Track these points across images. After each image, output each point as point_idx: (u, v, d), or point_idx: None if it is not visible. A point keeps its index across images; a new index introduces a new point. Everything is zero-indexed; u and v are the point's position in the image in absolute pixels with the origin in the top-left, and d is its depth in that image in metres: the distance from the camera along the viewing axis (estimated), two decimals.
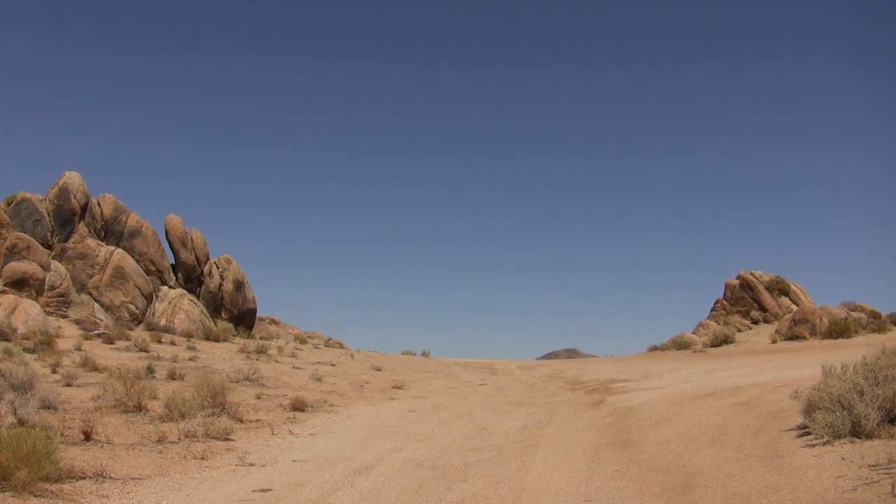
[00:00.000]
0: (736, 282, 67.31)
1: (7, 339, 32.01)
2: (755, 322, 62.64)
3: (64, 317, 42.67)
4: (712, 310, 68.25)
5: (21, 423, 13.85)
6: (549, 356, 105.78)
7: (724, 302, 67.38)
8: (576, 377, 36.15)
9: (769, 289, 65.34)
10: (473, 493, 11.34)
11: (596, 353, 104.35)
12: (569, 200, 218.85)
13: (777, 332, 53.77)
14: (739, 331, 58.81)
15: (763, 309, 63.93)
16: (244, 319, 55.59)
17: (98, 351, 31.59)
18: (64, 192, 48.98)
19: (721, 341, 53.86)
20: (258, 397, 23.06)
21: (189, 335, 44.03)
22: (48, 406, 17.04)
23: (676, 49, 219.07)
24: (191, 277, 53.84)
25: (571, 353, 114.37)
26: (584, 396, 26.16)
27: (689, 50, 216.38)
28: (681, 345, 55.27)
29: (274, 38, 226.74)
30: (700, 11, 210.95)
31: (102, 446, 14.13)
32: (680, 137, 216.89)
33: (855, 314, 53.50)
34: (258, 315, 59.79)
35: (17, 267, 43.43)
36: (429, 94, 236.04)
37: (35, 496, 10.36)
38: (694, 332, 61.40)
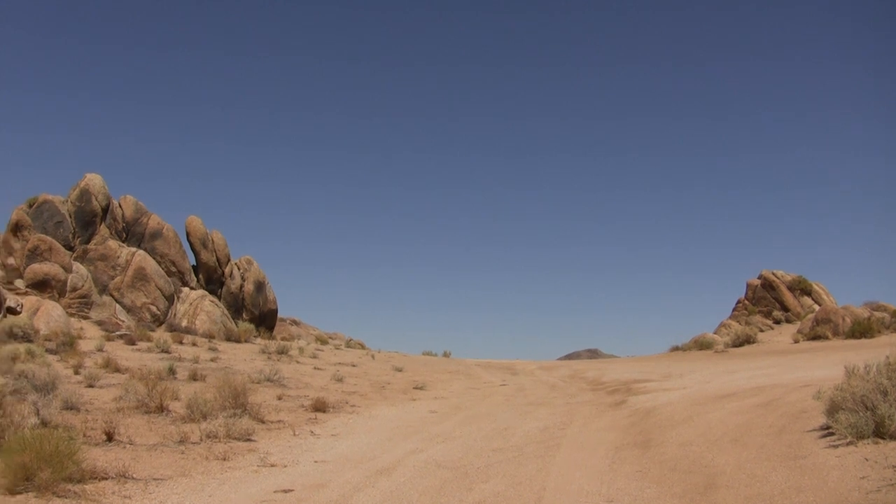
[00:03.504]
0: (758, 281, 66.95)
1: (29, 341, 32.13)
2: (777, 322, 62.29)
3: (86, 318, 42.84)
4: (734, 310, 67.89)
5: (44, 423, 13.91)
6: (570, 357, 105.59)
7: (746, 302, 67.02)
8: (597, 377, 36.04)
9: (791, 288, 64.97)
10: (495, 493, 11.31)
11: (617, 353, 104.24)
12: (590, 201, 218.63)
13: (799, 331, 53.43)
14: (761, 331, 58.45)
15: (785, 309, 63.58)
16: (265, 320, 55.69)
17: (120, 352, 31.71)
18: (85, 194, 49.21)
19: (743, 341, 53.51)
20: (279, 398, 23.08)
21: (210, 336, 44.14)
22: (71, 407, 17.10)
23: (701, 48, 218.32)
24: (212, 279, 54.00)
25: (592, 354, 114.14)
26: (606, 397, 26.08)
27: (713, 49, 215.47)
28: (702, 345, 54.96)
29: (296, 37, 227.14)
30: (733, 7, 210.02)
31: (125, 447, 14.17)
32: (702, 137, 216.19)
33: (878, 314, 53.06)
34: (279, 316, 59.90)
35: (39, 268, 43.65)
36: (450, 93, 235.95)
37: (58, 496, 10.40)
38: (715, 333, 61.02)
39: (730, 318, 66.40)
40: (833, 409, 12.28)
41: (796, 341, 50.76)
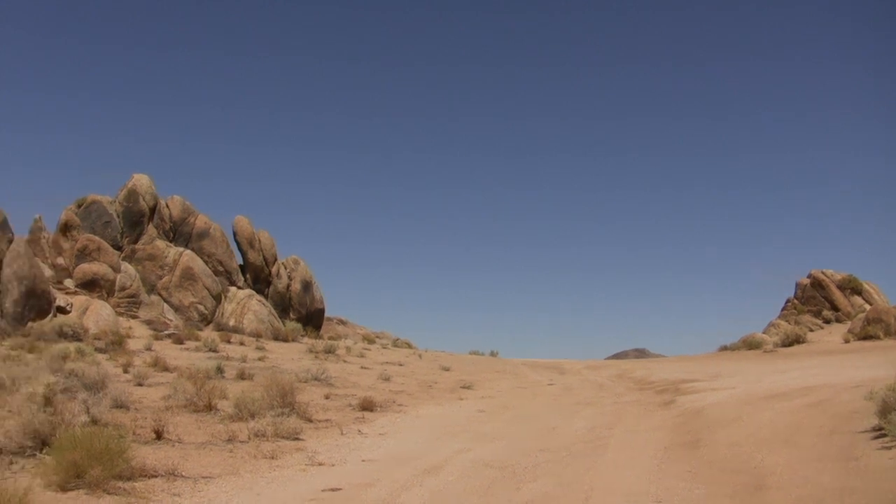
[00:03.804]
0: (807, 281, 66.27)
1: (79, 340, 32.49)
2: (827, 321, 61.60)
3: (134, 317, 43.25)
4: (783, 309, 67.25)
5: (94, 422, 13.99)
6: (617, 356, 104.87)
7: (796, 301, 66.36)
8: (645, 377, 35.78)
9: (841, 288, 64.23)
10: (543, 493, 11.22)
11: (665, 352, 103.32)
12: (639, 199, 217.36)
13: (850, 331, 52.73)
14: (811, 330, 57.84)
15: (835, 308, 62.86)
16: (312, 319, 55.87)
17: (168, 351, 31.94)
18: (133, 194, 49.68)
19: (792, 341, 52.91)
20: (327, 397, 23.10)
21: (258, 335, 44.36)
22: (120, 405, 17.20)
23: (754, 45, 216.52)
24: (259, 278, 54.27)
25: (640, 353, 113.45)
26: (654, 396, 25.87)
27: (767, 47, 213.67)
28: (751, 344, 54.40)
29: (336, 40, 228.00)
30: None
31: (173, 445, 14.23)
32: (751, 135, 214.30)
33: None
34: (326, 315, 60.04)
35: (88, 268, 44.12)
36: (486, 92, 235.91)
37: (108, 493, 10.45)
38: (764, 332, 60.39)
39: (779, 317, 65.77)
40: (885, 410, 12.09)
41: (846, 341, 50.10)
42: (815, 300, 64.43)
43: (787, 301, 67.62)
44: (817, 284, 64.93)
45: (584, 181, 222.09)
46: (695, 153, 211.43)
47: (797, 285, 67.46)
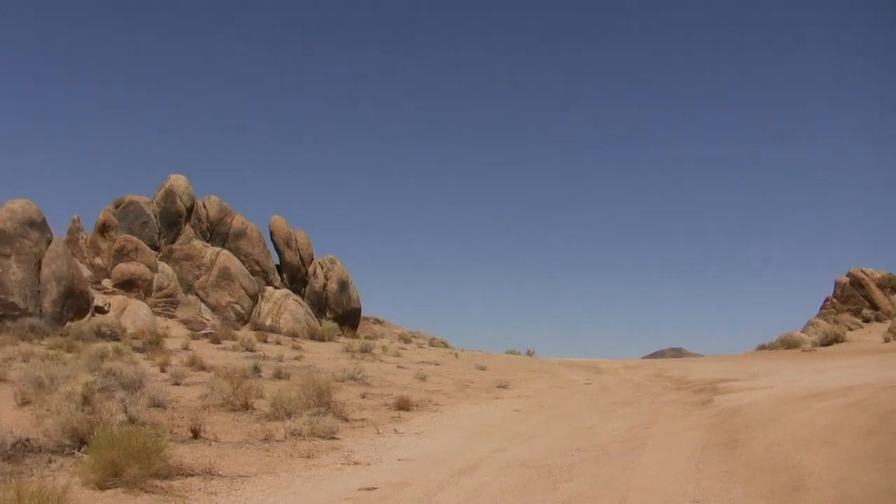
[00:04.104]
0: (846, 280, 65.68)
1: (117, 339, 32.72)
2: (866, 320, 61.00)
3: (171, 317, 43.52)
4: (822, 308, 66.70)
5: (131, 420, 14.05)
6: (654, 355, 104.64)
7: (834, 300, 65.81)
8: (682, 376, 35.56)
9: (881, 286, 63.61)
10: (579, 493, 11.14)
11: (702, 352, 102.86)
12: (675, 197, 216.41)
13: (890, 330, 52.14)
14: (850, 329, 57.25)
15: (875, 307, 62.26)
16: (348, 319, 56.00)
17: (205, 350, 32.08)
18: (170, 195, 50.01)
19: (831, 340, 52.39)
20: (363, 396, 23.11)
21: (294, 335, 44.48)
22: (157, 404, 17.27)
23: (799, 42, 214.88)
24: (295, 278, 54.47)
25: (677, 353, 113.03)
26: (691, 396, 25.69)
27: (825, 43, 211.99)
28: (789, 344, 53.97)
29: (377, 32, 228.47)
30: None
31: (210, 444, 14.26)
32: (792, 132, 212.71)
33: None
34: (362, 315, 60.18)
35: (125, 268, 44.45)
36: (535, 86, 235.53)
37: (146, 492, 10.48)
38: (803, 331, 59.89)
39: (817, 316, 65.23)
40: None
41: (886, 340, 49.53)
42: (855, 299, 63.86)
43: (826, 300, 67.09)
44: (857, 283, 64.35)
45: (621, 178, 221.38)
46: (736, 146, 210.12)
47: (836, 284, 66.91)
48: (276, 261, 54.29)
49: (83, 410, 13.60)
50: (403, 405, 21.32)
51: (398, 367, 33.70)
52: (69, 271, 38.49)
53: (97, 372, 19.17)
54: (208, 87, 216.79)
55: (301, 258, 54.97)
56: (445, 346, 56.74)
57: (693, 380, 32.56)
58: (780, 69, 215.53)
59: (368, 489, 11.61)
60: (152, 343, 31.90)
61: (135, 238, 46.36)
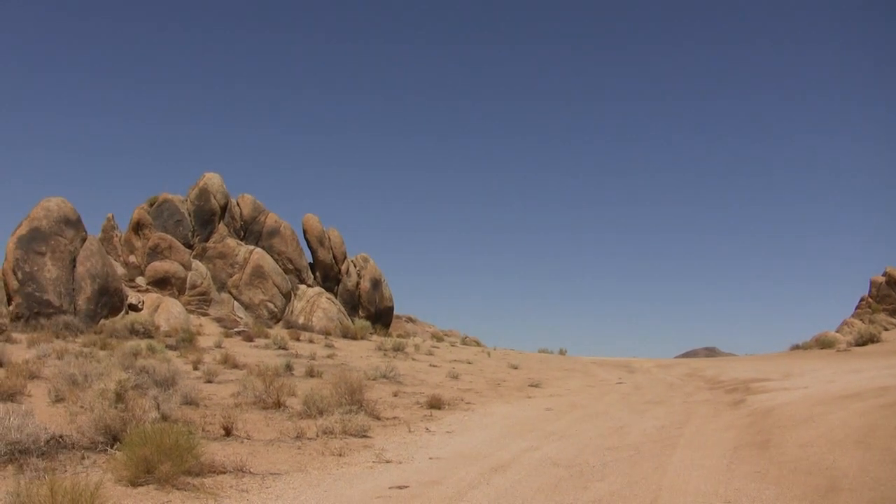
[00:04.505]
0: (882, 279, 65.06)
1: (150, 336, 32.92)
2: None
3: (204, 315, 43.72)
4: (857, 308, 66.11)
5: (164, 418, 14.12)
6: (687, 354, 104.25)
7: (870, 300, 65.19)
8: (715, 376, 35.34)
9: None
10: (610, 492, 11.07)
11: (735, 351, 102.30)
12: (712, 196, 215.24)
13: None
14: (886, 329, 56.65)
15: None
16: (381, 317, 56.07)
17: (238, 348, 32.21)
18: (204, 193, 50.24)
19: (866, 340, 51.88)
20: (395, 395, 23.10)
21: (327, 333, 44.56)
22: (190, 402, 17.34)
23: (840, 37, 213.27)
24: (328, 276, 54.58)
25: (710, 352, 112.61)
26: (724, 396, 25.52)
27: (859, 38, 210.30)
28: (824, 343, 53.52)
29: (409, 27, 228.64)
30: None
31: (242, 442, 14.29)
32: (830, 130, 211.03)
33: None
34: (395, 313, 60.23)
35: (159, 266, 44.71)
36: (573, 83, 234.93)
37: (178, 489, 10.50)
38: (838, 331, 59.37)
39: (852, 316, 64.63)
40: None
41: None
42: (891, 298, 63.23)
43: (861, 299, 66.49)
44: (893, 282, 63.73)
45: (654, 176, 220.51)
46: (773, 144, 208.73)
47: (871, 283, 66.28)
48: (309, 259, 54.46)
49: (116, 408, 13.67)
50: (435, 404, 21.29)
51: (430, 365, 33.68)
52: (103, 269, 38.76)
53: (130, 369, 19.28)
54: (243, 86, 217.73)
55: (334, 256, 55.09)
56: (478, 344, 56.71)
57: (726, 379, 32.36)
58: (818, 67, 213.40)
59: (400, 487, 11.59)
60: (185, 341, 32.05)
61: (169, 236, 46.63)
